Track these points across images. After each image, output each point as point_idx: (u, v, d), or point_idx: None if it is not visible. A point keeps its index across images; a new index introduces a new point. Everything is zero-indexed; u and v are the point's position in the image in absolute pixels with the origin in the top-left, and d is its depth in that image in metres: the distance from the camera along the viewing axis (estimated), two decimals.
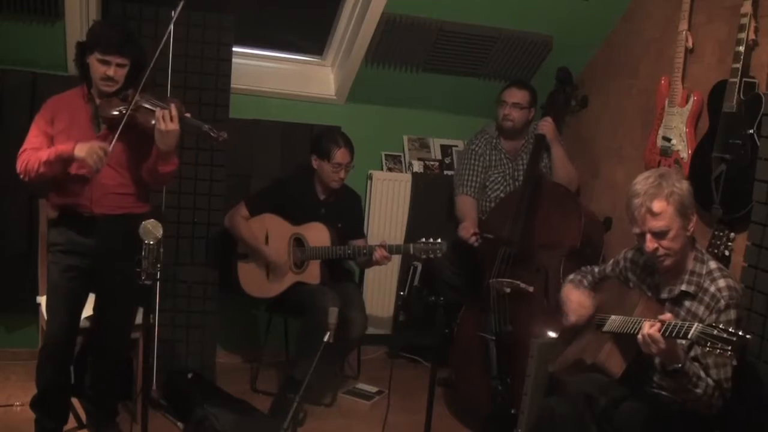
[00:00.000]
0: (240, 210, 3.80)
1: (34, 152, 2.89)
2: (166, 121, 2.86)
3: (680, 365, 2.35)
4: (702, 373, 2.42)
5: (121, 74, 2.92)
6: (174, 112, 2.88)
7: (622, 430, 2.53)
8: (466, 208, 4.07)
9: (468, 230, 3.87)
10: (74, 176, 2.95)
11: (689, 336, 2.22)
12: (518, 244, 3.64)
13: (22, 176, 2.90)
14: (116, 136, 2.88)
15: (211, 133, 2.98)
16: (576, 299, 2.80)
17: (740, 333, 2.12)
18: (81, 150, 2.80)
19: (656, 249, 2.53)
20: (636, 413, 2.51)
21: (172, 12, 3.13)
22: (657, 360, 2.44)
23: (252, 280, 3.82)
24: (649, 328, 2.32)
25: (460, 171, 4.17)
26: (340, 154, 3.78)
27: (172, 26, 3.08)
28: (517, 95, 4.08)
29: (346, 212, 3.97)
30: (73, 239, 2.99)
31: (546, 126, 4.00)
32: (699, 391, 2.40)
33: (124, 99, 2.94)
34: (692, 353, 2.49)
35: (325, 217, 3.85)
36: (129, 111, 2.89)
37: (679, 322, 2.31)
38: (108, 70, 2.89)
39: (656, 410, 2.48)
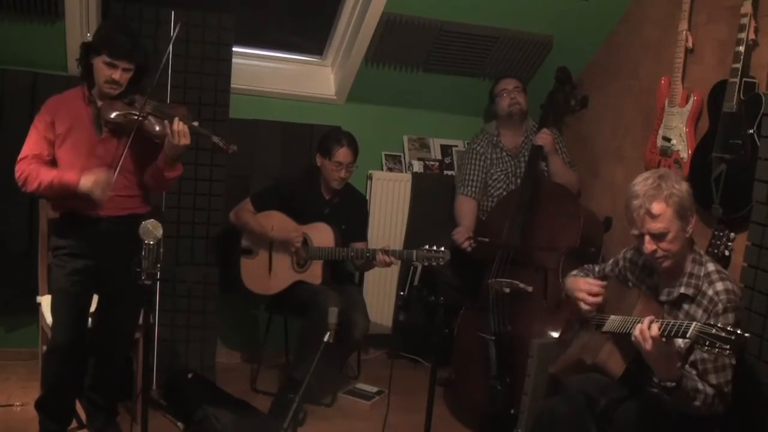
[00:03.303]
0: (246, 206, 3.82)
1: (36, 165, 2.88)
2: (180, 137, 2.88)
3: (675, 384, 2.34)
4: (700, 385, 2.41)
5: (126, 78, 2.93)
6: (186, 129, 2.88)
7: (622, 430, 2.53)
8: (464, 211, 4.08)
9: (462, 235, 3.90)
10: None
11: (688, 335, 2.22)
12: (516, 246, 3.64)
13: (19, 185, 2.90)
14: (128, 143, 2.90)
15: (221, 145, 3.00)
16: (585, 286, 2.74)
17: (738, 332, 2.12)
18: (87, 181, 2.81)
19: (655, 251, 2.52)
20: (636, 413, 2.51)
21: (171, 31, 3.14)
22: (655, 375, 2.42)
23: (254, 276, 3.82)
24: (647, 325, 2.30)
25: (462, 171, 4.19)
26: (341, 153, 3.78)
27: (171, 47, 3.10)
28: (512, 81, 4.18)
29: (351, 213, 3.97)
30: (79, 242, 2.99)
31: (545, 138, 4.00)
32: (697, 403, 2.40)
33: (130, 103, 2.94)
34: (692, 357, 2.49)
35: (329, 217, 3.86)
36: (139, 118, 2.89)
37: (678, 322, 2.30)
38: (114, 73, 2.89)
39: (656, 410, 2.47)
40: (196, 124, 3.00)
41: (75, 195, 2.87)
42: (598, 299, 2.71)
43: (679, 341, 2.49)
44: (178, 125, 2.87)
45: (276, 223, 3.82)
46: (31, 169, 2.88)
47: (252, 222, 3.79)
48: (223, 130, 3.77)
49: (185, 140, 2.90)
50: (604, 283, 2.73)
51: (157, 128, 2.91)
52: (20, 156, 2.93)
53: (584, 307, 2.74)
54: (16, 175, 2.91)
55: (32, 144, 2.94)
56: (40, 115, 2.97)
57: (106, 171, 2.86)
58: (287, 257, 3.81)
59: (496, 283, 3.54)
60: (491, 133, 4.19)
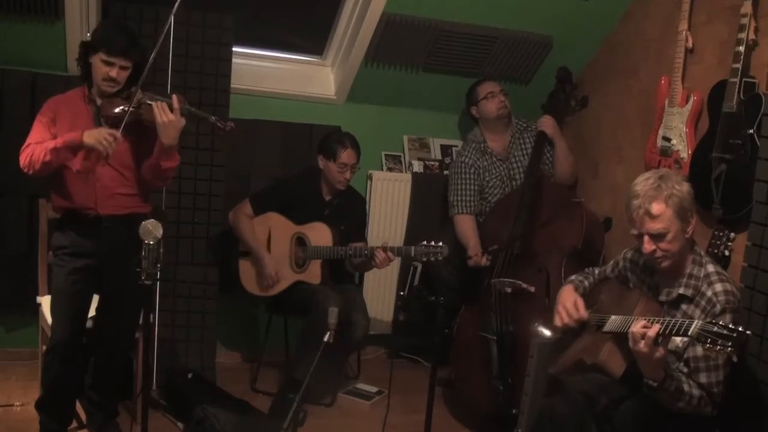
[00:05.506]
0: (244, 208, 3.81)
1: (39, 144, 2.88)
2: (166, 112, 2.87)
3: (656, 384, 2.35)
4: (686, 387, 2.41)
5: (124, 76, 2.93)
6: (176, 104, 2.89)
7: (622, 430, 2.53)
8: (467, 230, 4.01)
9: (477, 255, 3.83)
10: (77, 178, 2.95)
11: (690, 333, 2.23)
12: (521, 237, 3.62)
13: (26, 169, 2.89)
14: (119, 132, 2.89)
15: (218, 124, 3.01)
16: (570, 304, 2.78)
17: (740, 329, 2.13)
18: (90, 137, 2.83)
19: (654, 251, 2.53)
20: (636, 413, 2.52)
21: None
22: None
23: (253, 277, 3.82)
24: (644, 328, 2.31)
25: (454, 188, 4.12)
26: (346, 155, 3.79)
27: (172, 18, 3.07)
28: (496, 84, 4.15)
29: (350, 214, 3.97)
30: (80, 241, 3.00)
31: (547, 123, 4.01)
32: (681, 404, 2.41)
33: (127, 98, 2.94)
34: (686, 354, 2.50)
35: (328, 218, 3.86)
36: (131, 108, 2.89)
37: (680, 320, 2.31)
38: (111, 71, 2.90)
39: (656, 411, 2.47)
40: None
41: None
42: (571, 323, 2.75)
43: (678, 341, 2.49)
44: (162, 103, 2.88)
45: (273, 225, 3.82)
46: (35, 147, 2.88)
47: (247, 234, 3.77)
48: None
49: (171, 117, 2.87)
50: (586, 316, 2.74)
51: (154, 116, 2.91)
52: (24, 145, 2.92)
53: (557, 320, 2.80)
54: (22, 161, 2.89)
55: (36, 135, 2.93)
56: (41, 113, 2.98)
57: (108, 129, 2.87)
58: (286, 258, 3.81)
59: (499, 282, 3.55)
60: (477, 140, 4.16)
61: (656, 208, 2.49)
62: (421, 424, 2.89)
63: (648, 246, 2.53)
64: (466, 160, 4.12)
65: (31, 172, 2.88)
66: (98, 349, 3.19)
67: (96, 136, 2.82)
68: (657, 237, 2.51)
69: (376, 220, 4.41)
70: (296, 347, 3.85)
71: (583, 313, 2.74)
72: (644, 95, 3.85)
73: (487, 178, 4.11)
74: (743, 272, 2.93)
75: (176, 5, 2.94)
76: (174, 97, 2.93)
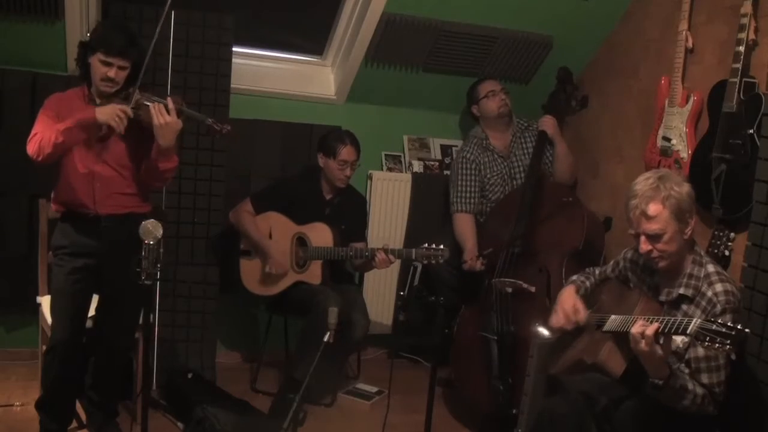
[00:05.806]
0: (245, 206, 3.81)
1: (48, 129, 2.86)
2: (163, 114, 2.87)
3: (662, 382, 2.35)
4: (690, 385, 2.42)
5: (122, 76, 2.93)
6: (170, 105, 2.89)
7: (622, 430, 2.53)
8: (465, 229, 4.01)
9: (472, 259, 3.82)
10: (76, 177, 2.95)
11: (688, 331, 2.23)
12: (522, 237, 3.61)
13: (35, 156, 2.86)
14: (130, 109, 2.89)
15: (215, 126, 3.01)
16: (569, 306, 2.78)
17: (739, 327, 2.13)
18: (102, 113, 2.84)
19: (650, 251, 2.53)
20: (636, 413, 2.52)
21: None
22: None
23: (254, 277, 3.82)
24: (642, 327, 2.31)
25: (455, 185, 4.12)
26: (345, 152, 3.79)
27: (172, 12, 3.04)
28: (497, 83, 4.16)
29: (350, 213, 3.98)
30: (79, 241, 3.00)
31: (548, 122, 4.01)
32: (685, 402, 2.41)
33: (125, 98, 2.94)
34: (687, 355, 2.50)
35: (329, 218, 3.86)
36: (131, 109, 2.89)
37: (678, 318, 2.31)
38: (109, 71, 2.89)
39: (656, 410, 2.48)
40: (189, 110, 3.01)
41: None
42: (569, 326, 2.76)
43: (679, 341, 2.49)
44: (159, 104, 2.88)
45: (274, 224, 3.82)
46: (43, 134, 2.86)
47: (249, 227, 3.78)
48: None
49: (168, 118, 2.88)
50: (585, 321, 2.74)
51: (152, 117, 2.91)
52: (31, 135, 2.89)
53: (554, 320, 2.82)
54: (30, 148, 2.86)
55: (42, 125, 2.91)
56: (45, 108, 2.97)
57: (119, 105, 2.89)
58: (286, 257, 3.81)
59: (499, 282, 3.55)
60: (479, 137, 4.16)
61: (653, 209, 2.49)
62: (421, 424, 2.89)
63: (644, 246, 2.53)
64: (467, 155, 4.12)
65: (40, 158, 2.86)
66: (98, 349, 3.19)
67: (109, 113, 2.84)
68: (653, 237, 2.51)
69: (376, 220, 4.41)
70: (296, 347, 3.85)
71: (582, 317, 2.74)
72: (644, 95, 3.85)
73: (488, 175, 4.11)
74: (743, 272, 2.93)
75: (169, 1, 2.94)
76: (169, 98, 2.92)
